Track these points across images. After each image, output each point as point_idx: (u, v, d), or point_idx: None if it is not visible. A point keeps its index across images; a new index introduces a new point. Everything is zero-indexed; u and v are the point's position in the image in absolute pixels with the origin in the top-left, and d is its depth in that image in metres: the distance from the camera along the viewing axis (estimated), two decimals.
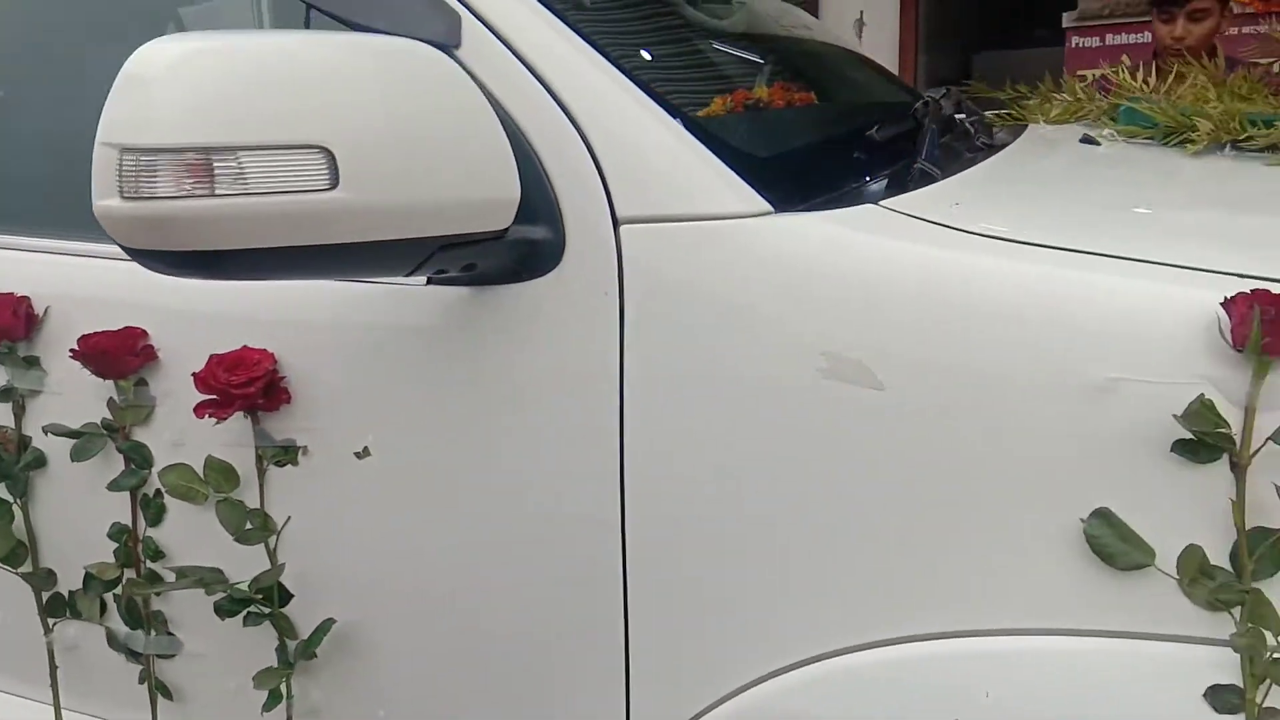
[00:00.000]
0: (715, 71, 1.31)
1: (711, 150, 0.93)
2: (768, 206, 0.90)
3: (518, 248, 0.92)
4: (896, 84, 2.01)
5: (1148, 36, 4.58)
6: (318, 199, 0.75)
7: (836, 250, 0.86)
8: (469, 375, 0.96)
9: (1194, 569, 0.74)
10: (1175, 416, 0.73)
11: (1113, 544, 0.76)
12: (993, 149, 1.30)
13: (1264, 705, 0.71)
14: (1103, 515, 0.76)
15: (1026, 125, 1.56)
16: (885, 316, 0.83)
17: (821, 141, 1.17)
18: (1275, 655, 0.71)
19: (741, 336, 0.87)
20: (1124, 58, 4.76)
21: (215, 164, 0.71)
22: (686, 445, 0.89)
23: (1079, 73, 3.05)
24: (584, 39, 0.97)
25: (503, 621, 0.99)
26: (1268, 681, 0.70)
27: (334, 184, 0.75)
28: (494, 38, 0.95)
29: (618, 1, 1.22)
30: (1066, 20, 4.81)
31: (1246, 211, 1.04)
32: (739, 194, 0.90)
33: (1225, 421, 0.73)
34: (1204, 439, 0.73)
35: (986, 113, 1.58)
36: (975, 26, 6.01)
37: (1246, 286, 0.75)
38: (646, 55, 1.10)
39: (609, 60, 0.96)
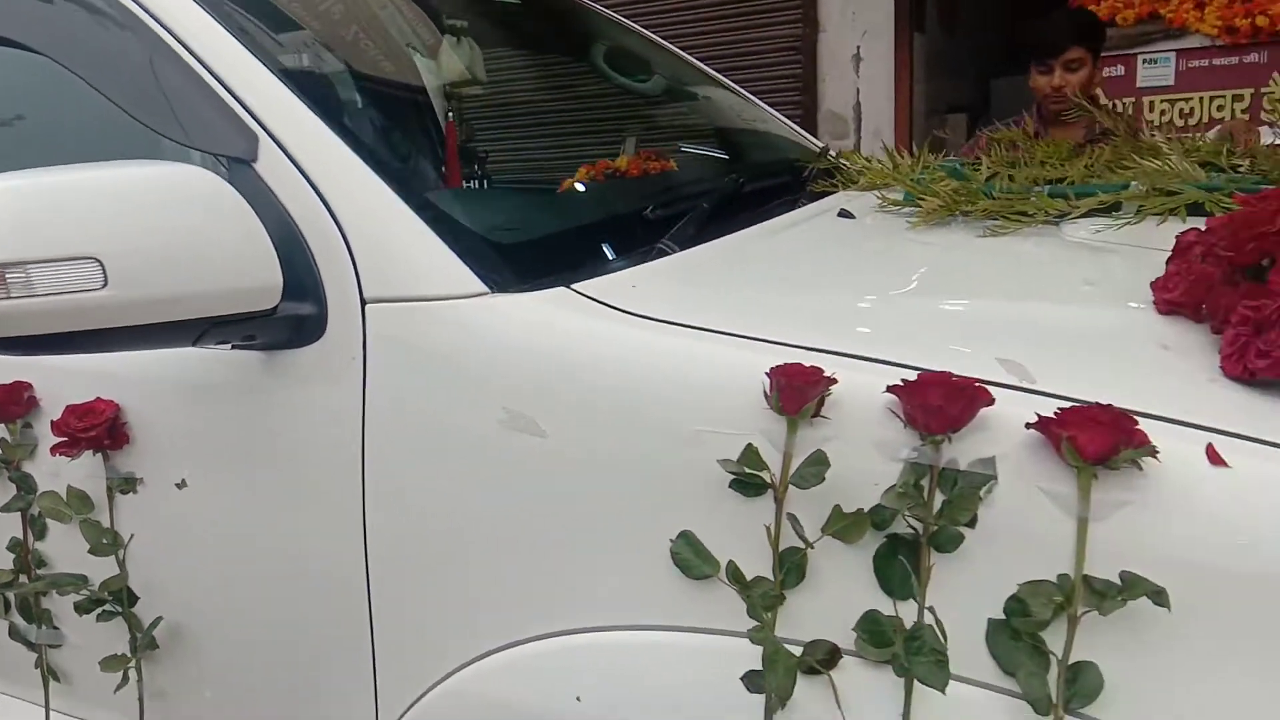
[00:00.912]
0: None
1: (448, 241, 1.16)
2: (484, 288, 1.13)
3: (289, 322, 1.16)
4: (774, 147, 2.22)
5: (1122, 70, 4.71)
6: (89, 297, 1.00)
7: (520, 327, 1.09)
8: (255, 423, 1.21)
9: (740, 579, 0.94)
10: (720, 461, 0.94)
11: (690, 559, 0.97)
12: (764, 217, 1.50)
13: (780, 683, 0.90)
14: (685, 536, 0.97)
15: (834, 192, 1.75)
16: (548, 380, 1.05)
17: (565, 223, 1.38)
18: (789, 647, 0.91)
19: (449, 397, 1.10)
20: (1098, 91, 4.85)
21: (7, 275, 0.97)
22: (410, 481, 1.12)
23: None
24: (354, 149, 1.21)
25: (279, 625, 1.24)
26: (784, 668, 0.90)
27: (104, 284, 1.01)
28: (282, 153, 1.20)
29: (390, 109, 1.45)
30: None
31: (883, 290, 1.21)
32: (460, 278, 1.13)
33: (766, 464, 0.94)
34: (751, 478, 0.94)
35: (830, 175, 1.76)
36: (997, 51, 6.12)
37: (803, 357, 0.96)
38: (402, 158, 1.34)
39: (371, 166, 1.19)
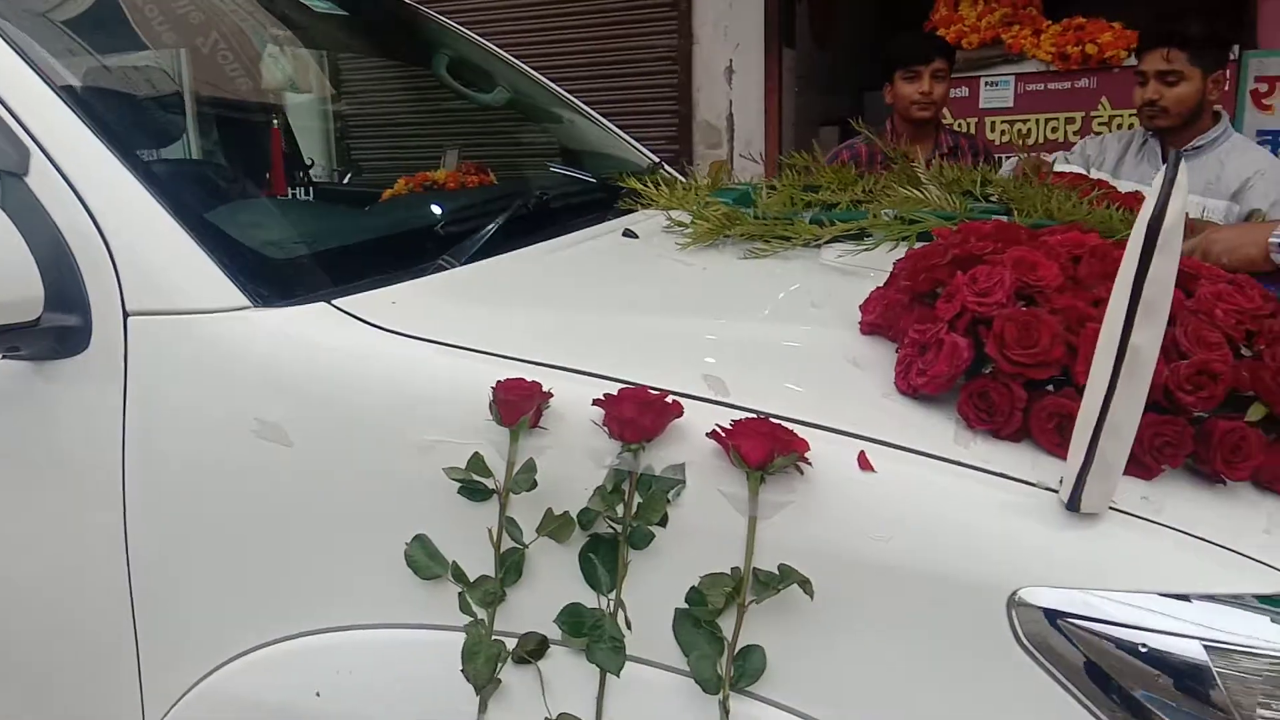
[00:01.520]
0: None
1: (214, 255, 1.20)
2: (246, 302, 1.18)
3: (54, 333, 1.19)
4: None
5: (966, 91, 4.98)
6: None
7: (274, 341, 1.14)
8: (25, 431, 1.23)
9: (464, 578, 1.02)
10: (447, 470, 1.02)
11: (422, 561, 1.04)
12: (554, 235, 1.58)
13: (479, 671, 0.99)
14: (419, 539, 1.05)
15: (634, 210, 1.84)
16: (297, 392, 1.11)
17: (341, 239, 1.43)
18: (496, 638, 1.00)
19: (206, 408, 1.15)
20: (944, 110, 5.03)
21: None
22: (169, 490, 1.17)
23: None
24: (125, 163, 1.24)
25: (48, 629, 1.27)
26: (484, 658, 0.99)
27: None
28: (52, 167, 1.22)
29: (171, 123, 1.49)
30: None
31: (626, 309, 1.30)
32: (222, 292, 1.18)
33: (491, 472, 1.02)
34: (476, 485, 1.02)
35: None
36: (872, 66, 6.34)
37: (530, 371, 1.05)
38: (167, 169, 1.37)
39: (141, 180, 1.23)
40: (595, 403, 0.99)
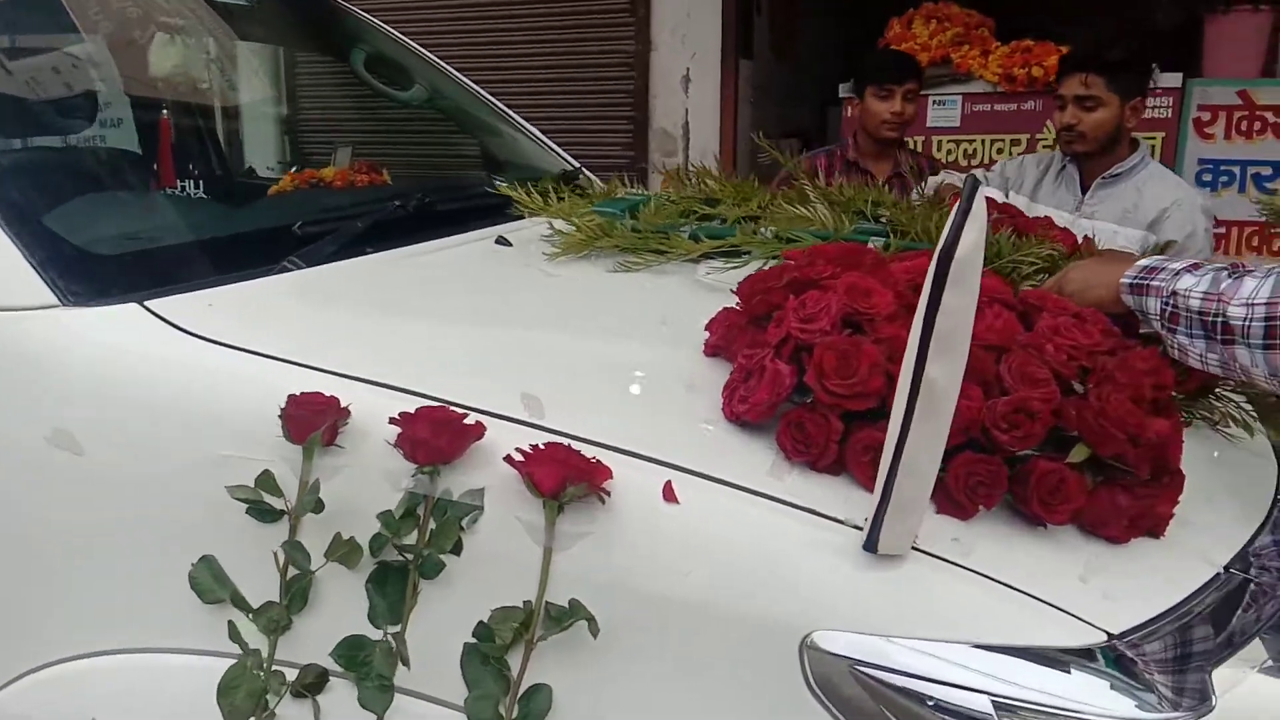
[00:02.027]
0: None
1: (27, 250, 1.14)
2: (53, 300, 1.11)
3: None
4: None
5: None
6: None
7: (76, 341, 1.08)
8: None
9: (244, 604, 0.96)
10: (230, 488, 0.96)
11: (206, 584, 0.98)
12: (426, 239, 1.52)
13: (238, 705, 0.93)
14: (206, 560, 0.99)
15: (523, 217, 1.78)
16: (95, 397, 1.05)
17: (172, 237, 1.37)
18: (276, 669, 0.94)
19: (6, 408, 1.08)
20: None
21: None
22: None
23: None
24: None
25: None
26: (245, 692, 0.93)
27: None
28: None
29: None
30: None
31: (465, 320, 1.25)
32: (31, 289, 1.11)
33: (283, 492, 0.96)
34: (264, 505, 0.96)
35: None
36: (834, 79, 6.33)
37: (337, 384, 0.99)
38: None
39: None
40: (391, 421, 0.93)
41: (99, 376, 1.06)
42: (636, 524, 0.91)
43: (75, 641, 1.04)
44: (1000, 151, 4.95)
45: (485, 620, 0.90)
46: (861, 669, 0.83)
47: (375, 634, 0.94)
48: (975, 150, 4.95)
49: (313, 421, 0.94)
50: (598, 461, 0.91)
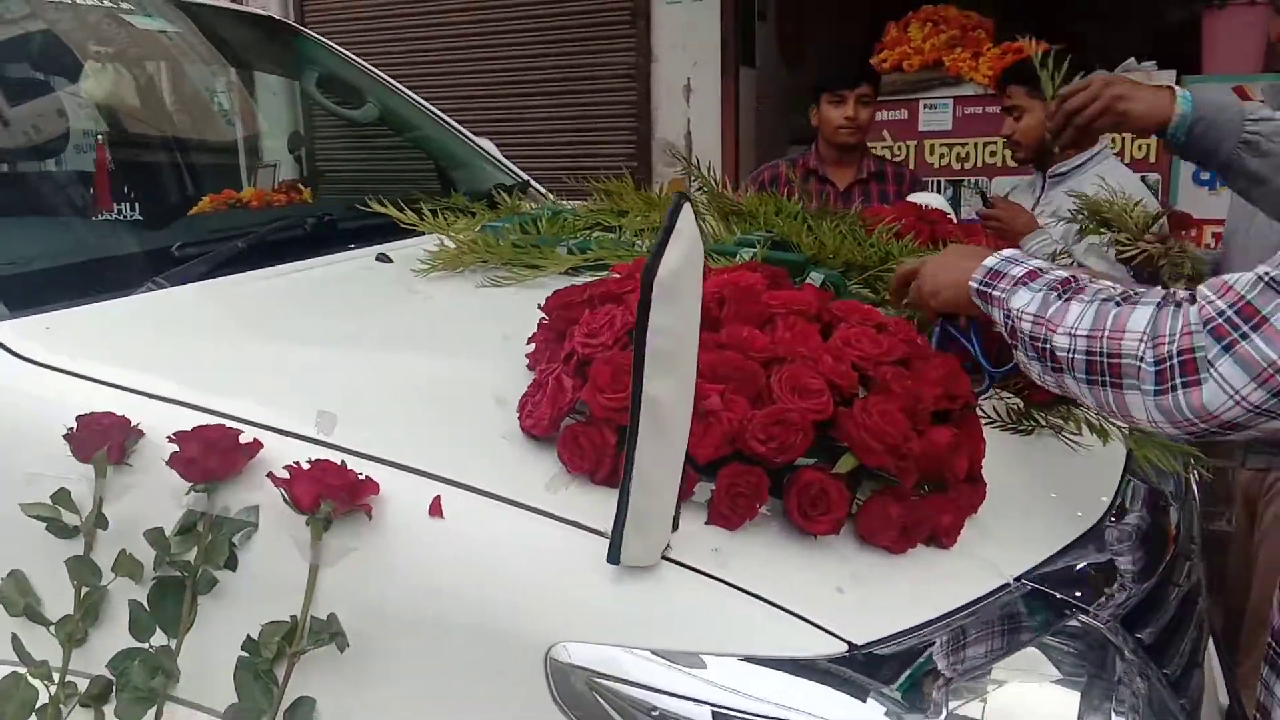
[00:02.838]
0: None
1: None
2: None
3: None
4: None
5: (905, 114, 4.95)
6: None
7: None
8: None
9: (39, 617, 1.00)
10: (26, 505, 0.99)
11: (11, 597, 1.01)
12: (309, 256, 1.55)
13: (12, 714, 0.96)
14: (14, 575, 1.02)
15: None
16: None
17: (35, 257, 1.40)
18: (61, 679, 0.97)
19: None
20: (885, 132, 5.09)
21: None
22: None
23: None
24: None
25: None
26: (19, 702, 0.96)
27: None
28: None
29: None
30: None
31: (300, 339, 1.26)
32: None
33: (78, 509, 1.00)
34: (58, 522, 0.99)
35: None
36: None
37: (141, 404, 1.02)
38: None
39: None
40: (169, 439, 0.96)
41: None
42: (401, 539, 0.93)
43: None
44: (993, 155, 4.89)
45: (251, 635, 0.92)
46: (599, 680, 0.84)
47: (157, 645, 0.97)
48: (968, 154, 4.90)
49: (97, 440, 0.97)
50: (366, 478, 0.93)
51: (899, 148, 4.90)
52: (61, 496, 0.99)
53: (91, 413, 0.99)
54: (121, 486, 1.00)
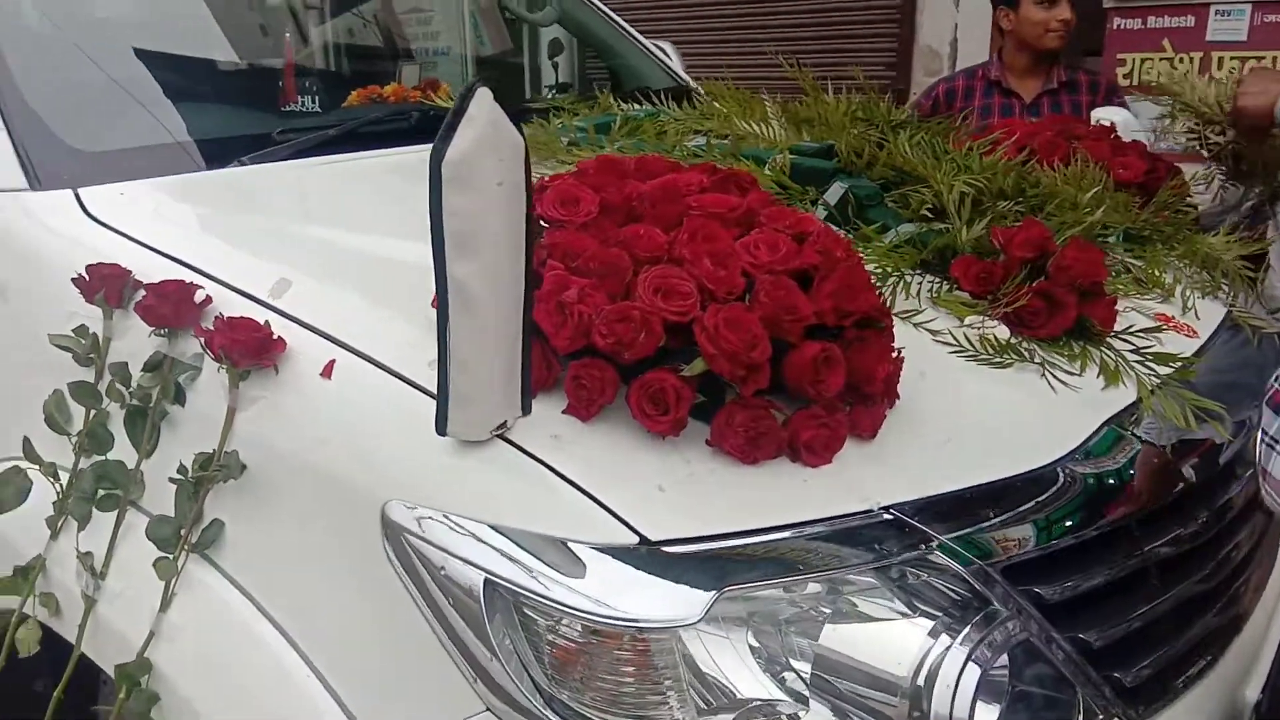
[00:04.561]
0: None
1: (16, 139, 1.45)
2: (24, 184, 1.42)
3: None
4: None
5: (1191, 20, 4.34)
6: None
7: (23, 218, 1.37)
8: None
9: (58, 426, 1.21)
10: (50, 335, 1.20)
11: (51, 414, 1.24)
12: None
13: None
14: (57, 393, 1.24)
15: None
16: (20, 261, 1.34)
17: (132, 132, 1.61)
18: (70, 479, 1.18)
19: None
20: (1165, 42, 4.64)
21: None
22: None
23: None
24: None
25: None
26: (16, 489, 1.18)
27: None
28: None
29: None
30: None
31: (310, 218, 1.41)
32: (10, 174, 1.42)
33: (94, 341, 1.19)
34: (81, 349, 1.20)
35: None
36: None
37: (158, 262, 1.21)
38: None
39: None
40: (140, 287, 1.13)
41: (27, 246, 1.35)
42: (295, 393, 1.04)
43: None
44: None
45: (183, 462, 1.08)
46: (410, 537, 0.92)
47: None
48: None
49: (97, 286, 1.16)
50: (277, 337, 1.05)
51: (1180, 60, 4.33)
52: (81, 330, 1.19)
53: (99, 263, 1.18)
54: (124, 328, 1.18)
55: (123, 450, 1.15)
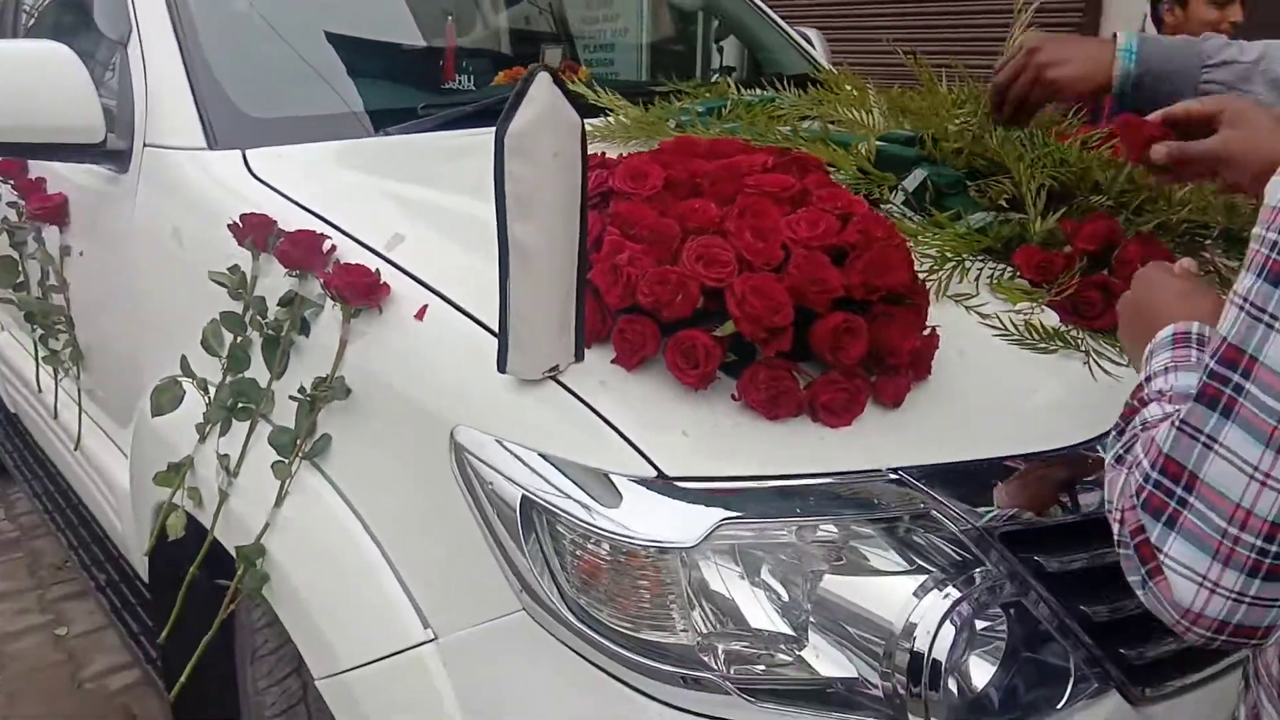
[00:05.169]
0: None
1: (199, 104, 1.70)
2: (202, 144, 1.66)
3: (114, 154, 1.77)
4: None
5: None
6: None
7: (199, 174, 1.61)
8: (113, 216, 1.85)
9: (211, 349, 1.43)
10: (210, 273, 1.42)
11: (208, 339, 1.46)
12: None
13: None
14: (213, 322, 1.47)
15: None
16: (195, 212, 1.58)
17: (305, 103, 1.82)
18: (216, 392, 1.40)
19: (164, 213, 1.66)
20: None
21: None
22: (152, 286, 1.71)
23: None
24: (179, 39, 1.77)
25: None
26: (171, 396, 1.40)
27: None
28: (139, 41, 1.79)
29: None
30: None
31: (420, 181, 1.58)
32: (193, 134, 1.67)
33: (244, 278, 1.41)
34: (232, 283, 1.42)
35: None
36: None
37: (297, 216, 1.41)
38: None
39: (181, 48, 1.75)
40: (278, 234, 1.33)
41: (200, 197, 1.59)
42: (395, 330, 1.21)
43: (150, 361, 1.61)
44: None
45: (303, 385, 1.28)
46: (470, 456, 1.07)
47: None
48: None
49: (247, 231, 1.36)
50: (384, 283, 1.22)
51: None
52: (234, 269, 1.41)
53: (250, 212, 1.39)
54: (269, 269, 1.39)
55: (258, 371, 1.36)
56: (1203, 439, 0.64)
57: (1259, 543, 0.62)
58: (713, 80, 2.43)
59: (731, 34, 2.95)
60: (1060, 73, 1.30)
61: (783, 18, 2.85)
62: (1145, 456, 0.69)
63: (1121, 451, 0.75)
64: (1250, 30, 2.89)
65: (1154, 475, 0.68)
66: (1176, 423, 0.67)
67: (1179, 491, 0.66)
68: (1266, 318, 0.61)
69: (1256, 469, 0.61)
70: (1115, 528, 0.72)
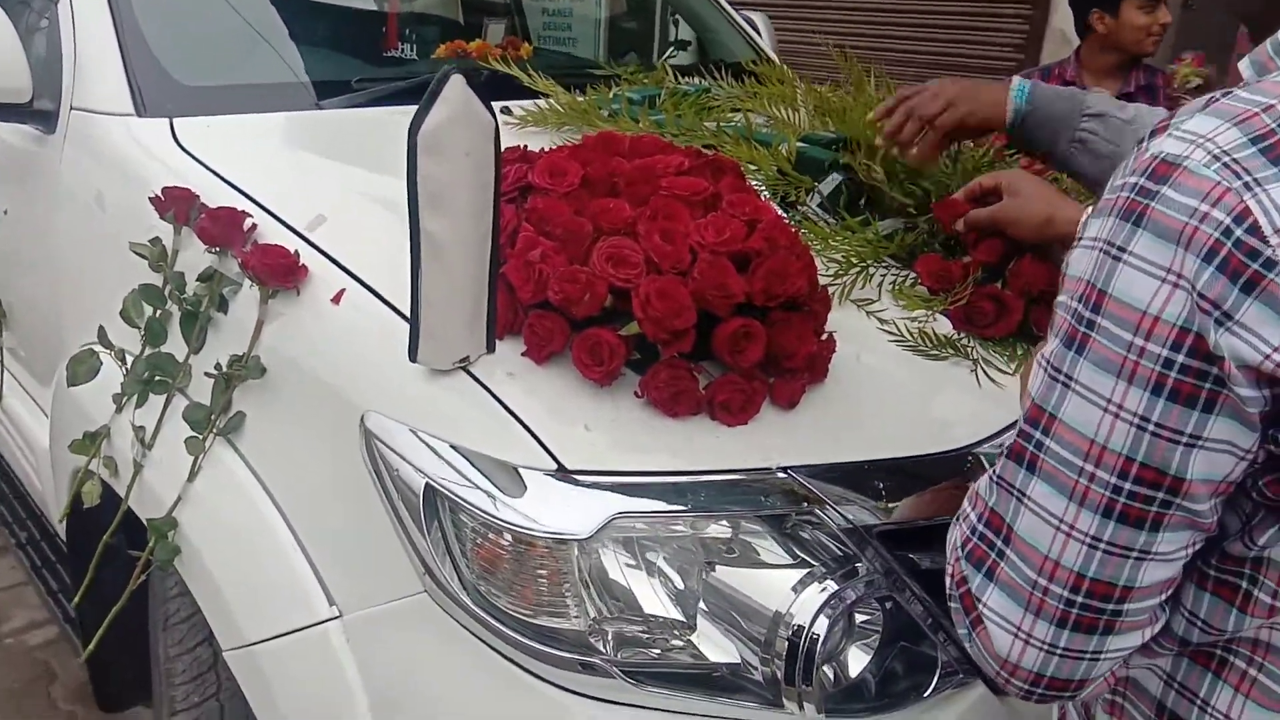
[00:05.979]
0: None
1: (129, 72, 1.68)
2: (130, 110, 1.65)
3: (41, 114, 1.75)
4: None
5: None
6: None
7: (124, 142, 1.60)
8: (39, 176, 1.83)
9: (130, 319, 1.44)
10: (130, 244, 1.42)
11: (128, 310, 1.47)
12: None
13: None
14: (133, 292, 1.48)
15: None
16: (115, 178, 1.57)
17: (236, 71, 1.82)
18: (133, 363, 1.41)
19: (90, 178, 1.65)
20: None
21: None
22: (67, 245, 1.70)
23: None
24: (109, 2, 1.75)
25: None
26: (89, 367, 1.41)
27: None
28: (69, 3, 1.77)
29: None
30: None
31: (359, 159, 1.60)
32: (121, 101, 1.66)
33: (166, 251, 1.41)
34: (151, 253, 1.42)
35: None
36: None
37: (218, 188, 1.42)
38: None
39: (113, 11, 1.73)
40: (200, 211, 1.34)
41: (125, 164, 1.58)
42: (311, 313, 1.24)
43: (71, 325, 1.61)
44: None
45: (220, 361, 1.29)
46: (378, 443, 1.10)
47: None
48: None
49: (169, 204, 1.37)
50: (302, 265, 1.24)
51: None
52: (155, 241, 1.41)
53: (173, 185, 1.39)
54: (190, 243, 1.39)
55: (176, 346, 1.37)
56: (1015, 493, 0.68)
57: (1065, 593, 0.65)
58: (666, 56, 2.45)
59: (678, 15, 2.97)
60: (967, 110, 1.39)
61: (730, 2, 2.87)
62: (972, 509, 0.72)
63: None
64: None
65: (979, 527, 0.71)
66: (994, 477, 0.70)
67: (998, 543, 0.68)
68: (1063, 378, 0.65)
69: (1061, 521, 0.65)
70: (947, 580, 0.75)
